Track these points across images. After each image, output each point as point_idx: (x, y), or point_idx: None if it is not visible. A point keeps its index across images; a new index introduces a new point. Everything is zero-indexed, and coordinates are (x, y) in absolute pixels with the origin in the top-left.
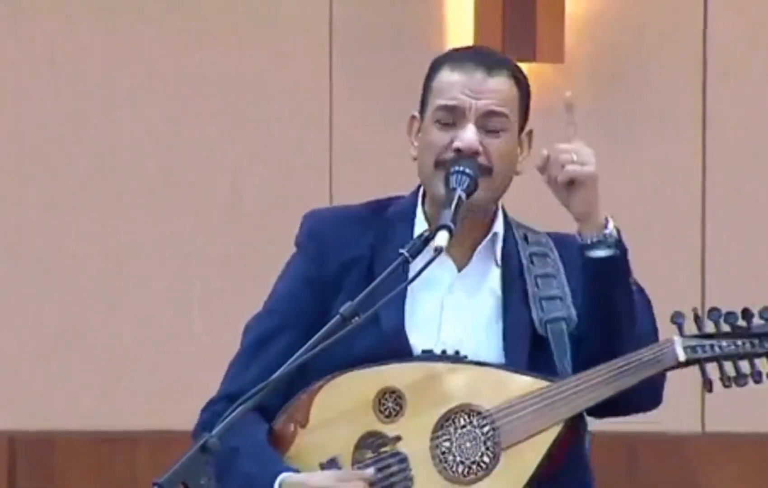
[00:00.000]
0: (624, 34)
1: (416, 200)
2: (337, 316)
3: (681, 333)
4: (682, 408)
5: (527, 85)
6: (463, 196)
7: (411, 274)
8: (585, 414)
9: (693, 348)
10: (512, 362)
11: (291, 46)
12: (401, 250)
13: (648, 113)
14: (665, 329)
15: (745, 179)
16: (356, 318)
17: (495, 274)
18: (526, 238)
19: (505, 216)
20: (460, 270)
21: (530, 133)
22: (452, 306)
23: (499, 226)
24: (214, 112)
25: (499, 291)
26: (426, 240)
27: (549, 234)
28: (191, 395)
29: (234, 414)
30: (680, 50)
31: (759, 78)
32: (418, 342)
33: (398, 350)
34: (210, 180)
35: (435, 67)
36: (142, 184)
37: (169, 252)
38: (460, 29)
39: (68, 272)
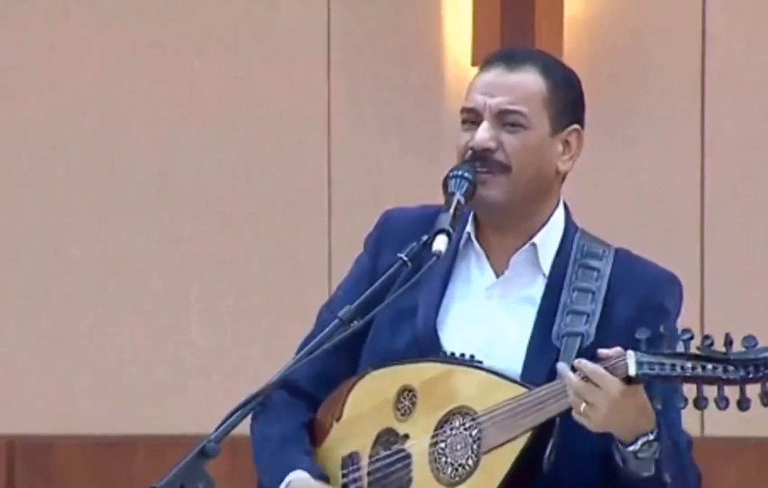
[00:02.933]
0: (623, 36)
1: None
2: (336, 320)
3: (642, 349)
4: (682, 412)
5: (567, 81)
6: (462, 199)
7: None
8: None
9: (650, 365)
10: (530, 374)
11: (289, 50)
12: (399, 254)
13: (647, 115)
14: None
15: (743, 181)
16: (355, 322)
17: (540, 284)
18: (582, 250)
19: (568, 224)
20: (498, 275)
21: (577, 131)
22: (487, 313)
23: (544, 234)
24: (212, 115)
25: (539, 302)
26: (425, 243)
27: (618, 250)
28: (189, 399)
29: (231, 419)
30: (679, 52)
31: (757, 80)
32: (449, 344)
33: (429, 349)
34: (208, 183)
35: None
36: (140, 187)
37: (167, 256)
38: (458, 33)
39: (66, 275)
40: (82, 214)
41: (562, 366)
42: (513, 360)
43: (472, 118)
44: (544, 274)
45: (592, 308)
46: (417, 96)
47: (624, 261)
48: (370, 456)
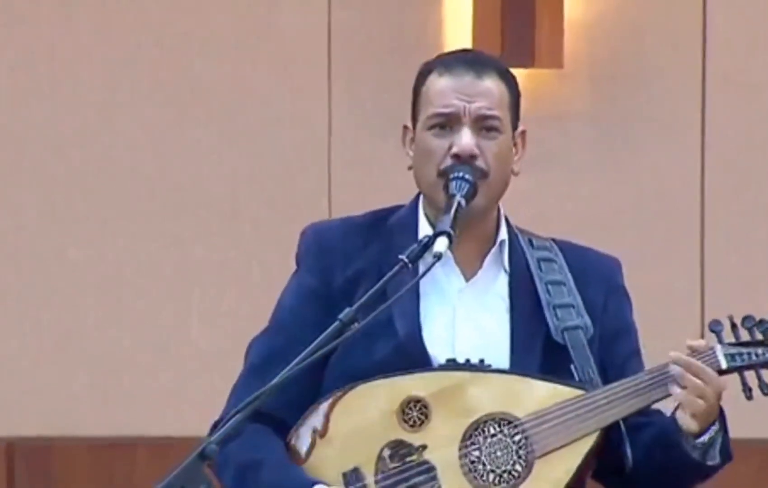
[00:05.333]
0: (623, 39)
1: (417, 208)
2: (336, 322)
3: (720, 341)
4: None
5: (516, 84)
6: (463, 202)
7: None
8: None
9: (732, 356)
10: (520, 368)
11: (290, 51)
12: (401, 256)
13: (647, 118)
14: (664, 332)
15: (744, 183)
16: (355, 324)
17: (503, 281)
18: (531, 243)
19: (507, 222)
20: (468, 279)
21: (523, 133)
22: (464, 316)
23: (503, 233)
24: (213, 117)
25: (508, 299)
26: (426, 245)
27: (555, 240)
28: (190, 401)
29: (231, 422)
30: (679, 55)
31: (758, 82)
32: (434, 351)
33: (416, 358)
34: (209, 186)
35: (423, 73)
36: (140, 189)
37: (168, 259)
38: (458, 35)
39: (67, 278)
40: (83, 216)
41: (676, 365)
42: (498, 359)
43: (445, 122)
44: (505, 271)
45: (573, 299)
46: None
47: (570, 251)
48: (377, 470)
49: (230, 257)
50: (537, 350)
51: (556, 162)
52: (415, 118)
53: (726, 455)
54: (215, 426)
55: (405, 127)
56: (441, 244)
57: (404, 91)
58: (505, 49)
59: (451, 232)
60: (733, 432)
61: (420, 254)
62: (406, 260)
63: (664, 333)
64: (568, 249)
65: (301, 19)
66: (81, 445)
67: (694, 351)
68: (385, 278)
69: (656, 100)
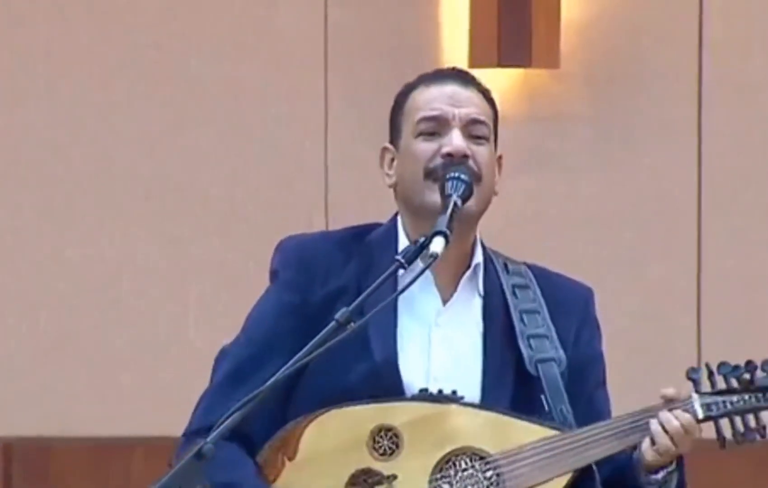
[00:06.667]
0: (620, 40)
1: (396, 225)
2: (333, 322)
3: (697, 390)
4: None
5: (496, 109)
6: (459, 201)
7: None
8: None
9: (708, 406)
10: (490, 399)
11: (286, 51)
12: (396, 256)
13: (644, 119)
14: (660, 332)
15: (741, 184)
16: (351, 324)
17: (477, 305)
18: (506, 268)
19: (482, 245)
20: (444, 303)
21: (500, 157)
22: (440, 340)
23: (479, 256)
24: (209, 118)
25: (481, 324)
26: (422, 246)
27: (528, 265)
28: (187, 401)
29: (225, 424)
30: (676, 56)
31: (755, 83)
32: (408, 376)
33: (390, 385)
34: (206, 186)
35: (404, 92)
36: (137, 190)
37: (165, 259)
38: (455, 35)
39: (64, 278)
40: (81, 216)
41: (669, 416)
42: (470, 385)
43: (434, 127)
44: (480, 294)
45: (547, 330)
46: None
47: (543, 277)
48: None
49: (227, 257)
50: (509, 379)
51: (553, 162)
52: (395, 138)
53: None
54: (185, 436)
55: (384, 148)
56: (437, 245)
57: None
58: (501, 49)
59: (448, 232)
60: (727, 433)
61: (416, 255)
62: (401, 260)
63: (661, 334)
64: (542, 276)
65: (298, 18)
66: (78, 445)
67: (670, 401)
68: (380, 279)
69: (653, 100)
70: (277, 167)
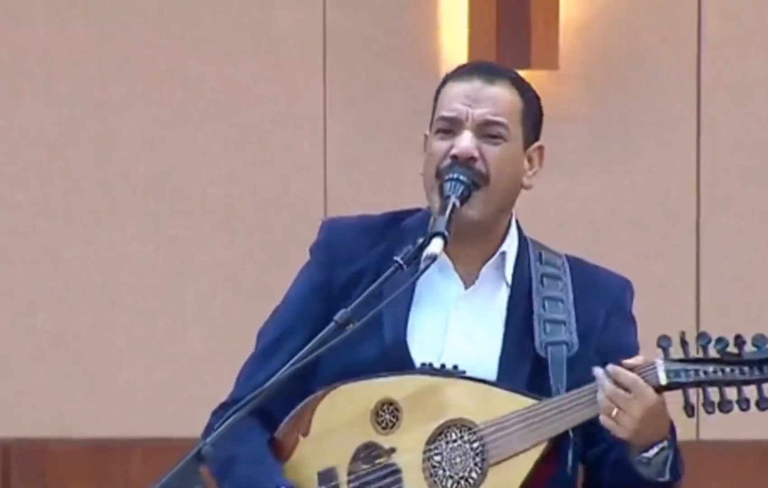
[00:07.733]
0: (618, 40)
1: (429, 212)
2: (332, 323)
3: (665, 357)
4: (677, 416)
5: (535, 99)
6: (457, 203)
7: (415, 286)
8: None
9: (676, 372)
10: (507, 382)
11: (285, 51)
12: (395, 257)
13: (642, 119)
14: (659, 331)
15: (739, 185)
16: (350, 325)
17: (503, 294)
18: (540, 258)
19: (520, 234)
20: (466, 287)
21: (541, 148)
22: (457, 324)
23: (509, 244)
24: (208, 117)
25: (505, 312)
26: (421, 247)
27: (568, 257)
28: (185, 402)
29: (228, 422)
30: (675, 56)
31: (753, 82)
32: (420, 356)
33: (399, 362)
34: (204, 185)
35: (442, 82)
36: (135, 189)
37: (163, 258)
38: (454, 36)
39: (61, 278)
40: (78, 216)
41: (599, 371)
42: (485, 371)
43: (449, 126)
44: (507, 284)
45: (566, 317)
46: (413, 98)
47: (579, 268)
48: (350, 471)
49: (224, 257)
50: (525, 368)
51: (552, 163)
52: (430, 128)
53: (675, 473)
54: (222, 407)
55: (425, 135)
56: (435, 246)
57: (399, 91)
58: (500, 49)
59: (446, 234)
60: (730, 434)
61: (414, 256)
62: (400, 262)
63: (659, 333)
64: (577, 267)
65: (296, 19)
66: (76, 447)
67: (633, 368)
68: (379, 280)
69: (651, 100)
70: (276, 167)
